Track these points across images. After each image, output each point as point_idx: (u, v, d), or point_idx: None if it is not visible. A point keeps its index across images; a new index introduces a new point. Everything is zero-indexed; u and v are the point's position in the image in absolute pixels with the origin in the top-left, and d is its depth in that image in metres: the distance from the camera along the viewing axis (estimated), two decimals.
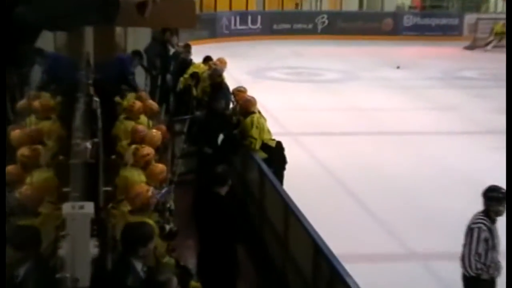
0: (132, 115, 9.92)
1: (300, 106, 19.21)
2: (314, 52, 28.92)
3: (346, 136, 16.00)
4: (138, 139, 8.74)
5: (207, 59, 14.22)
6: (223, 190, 7.51)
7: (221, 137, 10.10)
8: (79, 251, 4.66)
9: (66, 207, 4.75)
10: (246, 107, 10.54)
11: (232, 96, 11.46)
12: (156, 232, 6.44)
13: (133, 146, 8.36)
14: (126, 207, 7.00)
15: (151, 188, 7.17)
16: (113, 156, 8.70)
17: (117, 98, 10.83)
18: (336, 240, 7.59)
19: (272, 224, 8.83)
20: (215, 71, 12.74)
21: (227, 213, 7.40)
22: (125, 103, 10.43)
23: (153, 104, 10.58)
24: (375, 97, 20.36)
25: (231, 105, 11.60)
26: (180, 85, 13.92)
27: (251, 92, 11.45)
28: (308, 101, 19.82)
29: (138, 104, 10.09)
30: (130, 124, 9.55)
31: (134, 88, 11.65)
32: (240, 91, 11.36)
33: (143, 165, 7.91)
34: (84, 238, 4.69)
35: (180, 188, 8.49)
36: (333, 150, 14.86)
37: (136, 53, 12.88)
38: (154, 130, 9.16)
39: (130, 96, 10.84)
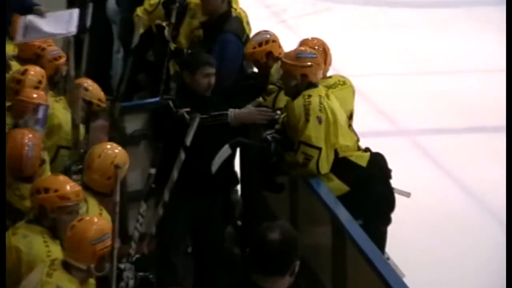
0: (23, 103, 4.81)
1: (424, 67, 9.34)
2: None
3: None
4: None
5: None
6: (283, 284, 2.97)
7: (224, 150, 5.02)
8: None
9: None
10: (290, 72, 4.96)
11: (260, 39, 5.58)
12: None
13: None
14: None
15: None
16: None
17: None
18: None
19: None
20: None
21: None
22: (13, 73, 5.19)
23: (82, 80, 5.27)
24: None
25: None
26: (136, 29, 6.46)
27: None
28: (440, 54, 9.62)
29: (35, 74, 4.99)
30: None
31: None
32: (273, 41, 5.59)
33: (50, 221, 3.96)
34: None
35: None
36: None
37: None
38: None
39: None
